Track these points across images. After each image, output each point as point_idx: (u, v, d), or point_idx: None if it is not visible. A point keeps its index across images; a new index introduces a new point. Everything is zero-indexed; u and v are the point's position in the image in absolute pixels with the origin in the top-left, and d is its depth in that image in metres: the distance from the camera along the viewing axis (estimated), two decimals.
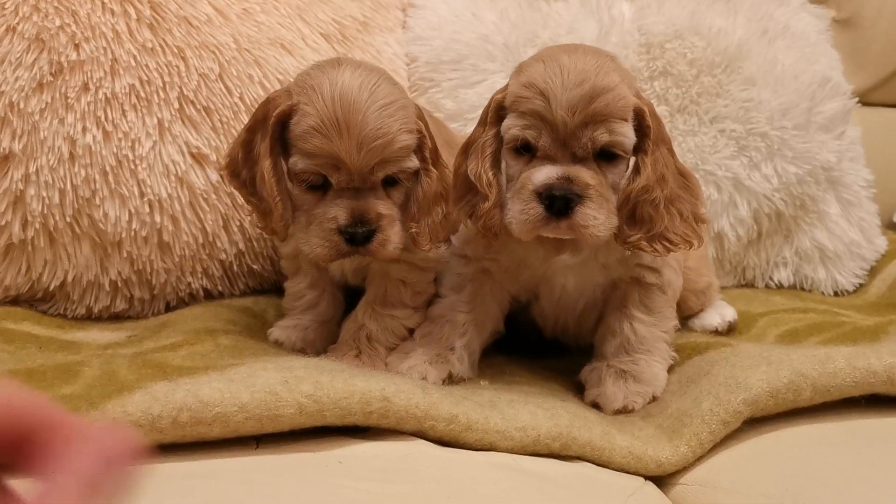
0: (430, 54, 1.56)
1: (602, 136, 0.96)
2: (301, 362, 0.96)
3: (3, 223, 1.19)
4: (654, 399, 1.07)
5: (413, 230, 1.04)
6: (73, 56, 1.19)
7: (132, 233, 1.23)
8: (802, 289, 1.60)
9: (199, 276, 1.30)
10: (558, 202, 0.95)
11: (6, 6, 1.18)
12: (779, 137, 1.53)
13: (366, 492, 0.78)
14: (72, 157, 1.19)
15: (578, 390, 1.11)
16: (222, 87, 1.28)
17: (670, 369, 1.12)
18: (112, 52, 1.21)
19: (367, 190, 1.01)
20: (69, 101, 1.19)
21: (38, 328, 1.18)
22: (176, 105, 1.25)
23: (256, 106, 1.09)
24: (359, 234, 0.99)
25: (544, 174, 0.96)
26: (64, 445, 0.37)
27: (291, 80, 1.11)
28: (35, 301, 1.25)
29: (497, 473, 0.87)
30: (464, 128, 1.46)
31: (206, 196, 1.27)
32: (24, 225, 1.19)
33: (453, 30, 1.57)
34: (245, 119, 1.26)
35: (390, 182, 1.03)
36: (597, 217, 0.96)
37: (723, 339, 1.25)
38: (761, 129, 1.53)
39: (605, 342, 1.12)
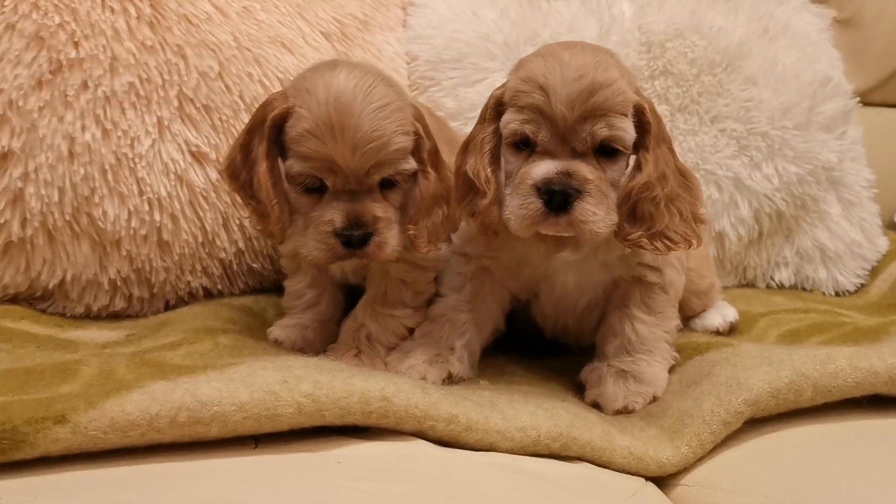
0: (430, 53, 1.56)
1: (601, 131, 0.95)
2: (300, 362, 0.95)
3: (1, 221, 1.18)
4: (655, 399, 1.07)
5: (411, 232, 1.04)
6: (73, 54, 1.19)
7: (131, 231, 1.22)
8: (803, 289, 1.60)
9: (199, 274, 1.30)
10: (557, 197, 0.94)
11: (5, 4, 1.18)
12: (779, 137, 1.53)
13: (365, 492, 0.78)
14: (71, 155, 1.19)
15: (579, 390, 1.11)
16: (222, 86, 1.28)
17: (671, 369, 1.12)
18: (111, 50, 1.21)
19: (364, 193, 1.00)
20: (68, 99, 1.18)
21: (36, 327, 1.17)
22: (175, 103, 1.24)
23: (256, 104, 1.09)
24: (355, 237, 0.99)
25: (543, 169, 0.96)
26: None
27: (291, 78, 1.11)
28: (34, 299, 1.25)
29: (497, 474, 0.87)
30: (464, 126, 1.46)
31: (205, 194, 1.27)
32: (23, 223, 1.19)
33: (454, 28, 1.56)
34: (245, 117, 1.26)
35: (388, 184, 1.02)
36: (596, 213, 0.96)
37: (724, 339, 1.25)
38: (762, 128, 1.53)
39: (606, 342, 1.11)
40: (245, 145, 1.05)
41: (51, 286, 1.23)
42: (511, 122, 0.98)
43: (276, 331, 1.17)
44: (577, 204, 0.95)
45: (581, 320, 1.16)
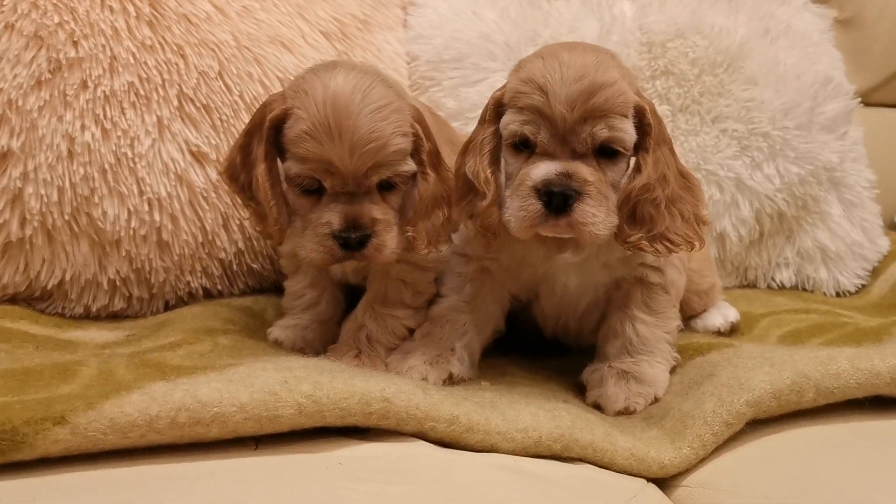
0: (430, 53, 1.56)
1: (601, 132, 0.95)
2: (300, 362, 0.95)
3: (1, 221, 1.18)
4: (657, 400, 1.07)
5: (409, 234, 1.03)
6: (72, 53, 1.19)
7: (131, 231, 1.22)
8: (804, 289, 1.60)
9: (199, 274, 1.29)
10: (557, 198, 0.94)
11: (4, 3, 1.18)
12: (781, 137, 1.53)
13: (366, 493, 0.78)
14: (70, 154, 1.19)
15: (580, 391, 1.11)
16: (222, 85, 1.27)
17: (672, 370, 1.12)
18: (111, 50, 1.20)
19: (363, 194, 1.00)
20: (68, 98, 1.18)
21: (35, 327, 1.17)
22: (175, 103, 1.24)
23: (256, 104, 1.09)
24: (352, 240, 0.99)
25: (543, 170, 0.95)
26: None
27: (291, 78, 1.10)
28: (33, 300, 1.25)
29: (498, 475, 0.86)
30: (465, 127, 1.45)
31: (205, 194, 1.26)
32: (23, 223, 1.19)
33: (454, 28, 1.56)
34: (245, 117, 1.26)
35: (386, 186, 1.02)
36: (596, 214, 0.95)
37: (725, 339, 1.24)
38: (763, 129, 1.53)
39: (607, 343, 1.11)
40: (244, 146, 1.05)
41: (50, 286, 1.23)
42: (511, 123, 0.98)
43: (276, 331, 1.17)
44: (577, 205, 0.94)
45: (582, 321, 1.16)
